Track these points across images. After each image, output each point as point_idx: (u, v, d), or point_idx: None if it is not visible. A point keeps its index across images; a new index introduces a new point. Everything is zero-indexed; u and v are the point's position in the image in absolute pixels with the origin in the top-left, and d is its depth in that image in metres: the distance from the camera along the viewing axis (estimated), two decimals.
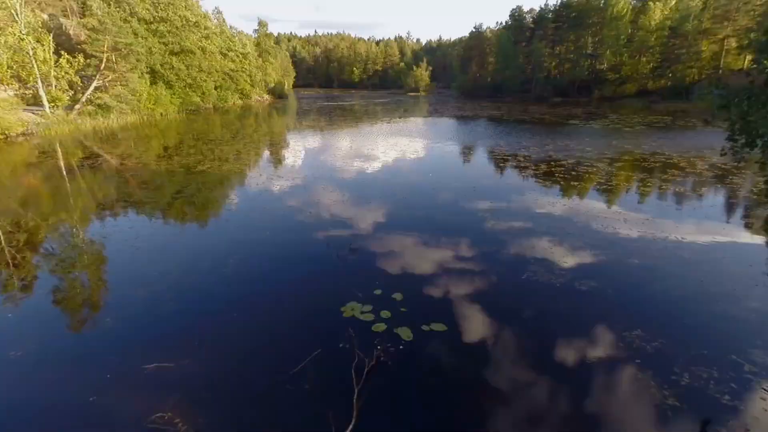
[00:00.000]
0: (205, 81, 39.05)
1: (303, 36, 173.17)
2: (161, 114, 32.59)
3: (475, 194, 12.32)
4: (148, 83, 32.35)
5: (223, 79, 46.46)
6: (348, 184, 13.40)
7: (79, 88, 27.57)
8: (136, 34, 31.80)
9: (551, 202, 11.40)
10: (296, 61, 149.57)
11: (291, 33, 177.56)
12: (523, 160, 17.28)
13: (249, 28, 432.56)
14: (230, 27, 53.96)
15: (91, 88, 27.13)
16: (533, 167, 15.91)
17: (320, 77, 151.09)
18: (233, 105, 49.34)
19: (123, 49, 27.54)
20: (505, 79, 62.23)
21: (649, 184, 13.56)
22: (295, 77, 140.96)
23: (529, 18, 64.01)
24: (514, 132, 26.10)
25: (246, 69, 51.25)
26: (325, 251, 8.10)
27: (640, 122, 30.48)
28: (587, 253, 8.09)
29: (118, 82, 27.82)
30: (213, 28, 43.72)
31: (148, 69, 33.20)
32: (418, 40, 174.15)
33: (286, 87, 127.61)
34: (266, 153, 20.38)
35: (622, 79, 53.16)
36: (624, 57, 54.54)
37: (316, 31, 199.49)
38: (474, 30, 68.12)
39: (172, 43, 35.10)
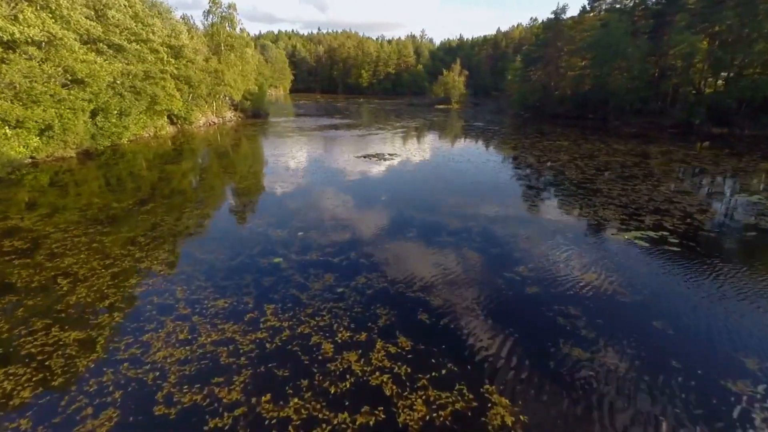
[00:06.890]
0: (31, 108, 15.95)
1: (305, 34, 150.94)
2: None
3: None
4: None
5: (119, 94, 23.70)
6: None
7: None
8: None
9: None
10: (295, 62, 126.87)
11: (293, 31, 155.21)
12: None
13: (250, 27, 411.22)
14: (157, 2, 31.08)
15: None
16: None
17: (323, 80, 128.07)
18: (153, 137, 26.77)
19: None
20: (610, 93, 38.78)
21: None
22: (292, 81, 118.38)
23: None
24: None
25: (173, 73, 28.39)
26: None
27: None
28: None
29: None
30: None
31: None
32: (431, 39, 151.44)
33: (281, 93, 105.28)
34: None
35: None
36: None
37: (319, 29, 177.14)
38: (552, 17, 44.58)
39: None
